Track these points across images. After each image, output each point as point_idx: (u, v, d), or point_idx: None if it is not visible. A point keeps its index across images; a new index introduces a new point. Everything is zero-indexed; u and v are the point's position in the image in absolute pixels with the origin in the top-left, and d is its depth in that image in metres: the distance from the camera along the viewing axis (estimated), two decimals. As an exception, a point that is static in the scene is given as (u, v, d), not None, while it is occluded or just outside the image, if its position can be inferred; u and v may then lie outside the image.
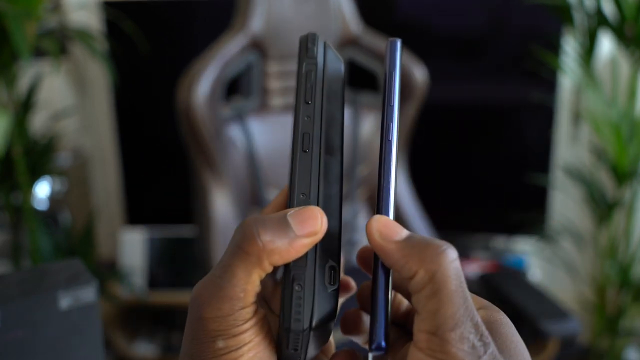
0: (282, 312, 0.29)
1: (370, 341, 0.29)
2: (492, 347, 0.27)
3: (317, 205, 0.30)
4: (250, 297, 0.29)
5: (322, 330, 0.30)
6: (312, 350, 0.31)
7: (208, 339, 0.29)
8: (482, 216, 1.90)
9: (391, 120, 0.32)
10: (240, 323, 0.29)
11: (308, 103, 0.31)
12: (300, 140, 0.31)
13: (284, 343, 0.29)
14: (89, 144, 2.09)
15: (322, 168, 0.31)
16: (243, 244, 0.29)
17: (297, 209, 0.30)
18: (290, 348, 0.29)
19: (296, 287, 0.29)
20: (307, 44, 0.33)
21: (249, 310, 0.29)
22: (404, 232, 0.29)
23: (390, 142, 0.31)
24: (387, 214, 0.31)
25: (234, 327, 0.29)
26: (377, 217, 0.30)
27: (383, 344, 0.29)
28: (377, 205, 0.31)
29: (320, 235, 0.29)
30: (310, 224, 0.29)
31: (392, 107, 0.32)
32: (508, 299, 1.14)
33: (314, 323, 0.28)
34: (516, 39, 1.75)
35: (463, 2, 1.76)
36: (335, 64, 0.34)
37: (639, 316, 1.74)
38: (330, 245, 0.30)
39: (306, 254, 0.29)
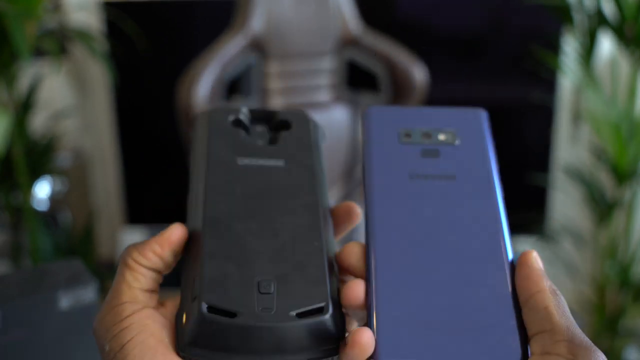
0: None
1: None
2: None
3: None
4: (125, 295, 0.33)
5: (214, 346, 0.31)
6: None
7: (101, 348, 0.31)
8: (482, 216, 1.90)
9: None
10: (117, 321, 0.31)
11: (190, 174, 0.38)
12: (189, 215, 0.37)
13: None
14: (89, 144, 2.09)
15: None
16: (120, 257, 0.35)
17: None
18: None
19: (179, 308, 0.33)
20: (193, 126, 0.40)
21: (126, 308, 0.32)
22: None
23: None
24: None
25: (112, 325, 0.31)
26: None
27: None
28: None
29: (169, 233, 0.34)
30: (166, 230, 0.35)
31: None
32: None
33: (186, 340, 0.31)
34: (516, 39, 1.75)
35: (463, 2, 1.76)
36: (202, 126, 0.39)
37: (639, 316, 1.74)
38: (193, 265, 0.34)
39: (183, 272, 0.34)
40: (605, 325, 1.68)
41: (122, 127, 1.91)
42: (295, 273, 0.32)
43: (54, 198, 1.84)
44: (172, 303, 0.34)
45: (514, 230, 1.53)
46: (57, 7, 1.90)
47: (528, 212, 1.79)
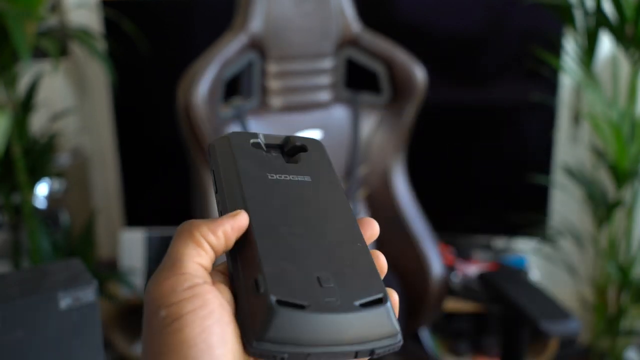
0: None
1: None
2: None
3: None
4: (189, 266, 0.32)
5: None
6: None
7: (153, 312, 0.31)
8: (482, 217, 1.90)
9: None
10: (179, 289, 0.31)
11: (217, 193, 0.39)
12: None
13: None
14: (89, 144, 2.09)
15: None
16: (178, 229, 0.34)
17: None
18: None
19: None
20: (207, 154, 0.41)
21: (188, 279, 0.31)
22: None
23: None
24: None
25: (172, 292, 0.31)
26: None
27: None
28: None
29: (239, 218, 0.34)
30: (232, 212, 0.35)
31: None
32: (508, 298, 1.14)
33: (257, 335, 0.31)
34: (516, 39, 1.75)
35: (463, 2, 1.76)
36: (225, 147, 0.40)
37: (639, 317, 1.74)
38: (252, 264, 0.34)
39: (238, 270, 0.34)
40: (606, 326, 1.68)
41: (121, 127, 1.91)
42: (349, 268, 0.34)
43: (53, 198, 1.84)
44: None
45: (515, 230, 1.54)
46: (56, 7, 1.90)
47: (528, 212, 1.79)
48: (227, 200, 0.37)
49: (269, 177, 0.38)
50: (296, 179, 0.39)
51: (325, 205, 0.38)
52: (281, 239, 0.34)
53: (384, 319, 0.33)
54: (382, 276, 0.36)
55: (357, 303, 0.32)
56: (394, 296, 0.35)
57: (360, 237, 0.37)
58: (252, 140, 0.41)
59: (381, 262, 0.37)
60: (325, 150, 0.43)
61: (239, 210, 0.35)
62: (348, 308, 0.32)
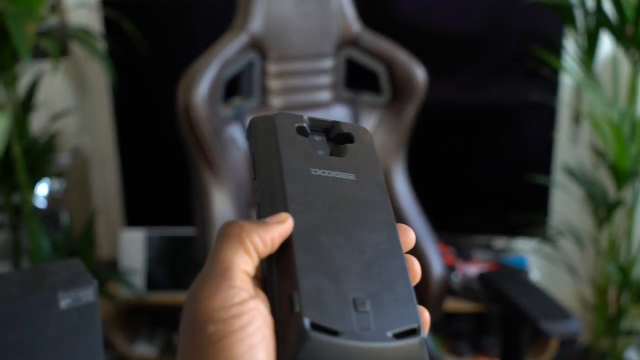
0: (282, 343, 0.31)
1: None
2: None
3: None
4: (237, 277, 0.31)
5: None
6: None
7: (199, 326, 0.30)
8: (482, 217, 1.90)
9: None
10: (227, 305, 0.30)
11: (255, 179, 0.37)
12: (256, 212, 0.37)
13: None
14: (89, 144, 2.09)
15: None
16: (225, 230, 0.33)
17: None
18: None
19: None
20: (247, 130, 0.40)
21: (237, 293, 0.30)
22: None
23: None
24: None
25: (222, 308, 0.30)
26: None
27: None
28: None
29: (287, 225, 0.33)
30: (279, 216, 0.34)
31: None
32: (508, 298, 1.14)
33: (287, 356, 0.30)
34: (516, 39, 1.75)
35: (463, 2, 1.76)
36: (268, 130, 0.38)
37: (639, 317, 1.74)
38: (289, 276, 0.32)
39: (273, 283, 0.33)
40: (606, 326, 1.68)
41: (121, 127, 1.91)
42: (386, 292, 0.33)
43: (53, 198, 1.84)
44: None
45: (515, 231, 1.54)
46: (55, 7, 1.90)
47: (529, 212, 1.79)
48: (266, 196, 0.36)
49: (312, 173, 0.37)
50: (340, 176, 0.37)
51: (368, 211, 0.36)
52: (320, 251, 0.33)
53: (415, 351, 0.32)
54: (416, 282, 0.36)
55: (390, 333, 0.32)
56: (425, 315, 0.35)
57: (400, 253, 0.36)
58: (297, 124, 0.39)
59: (416, 269, 0.36)
60: (373, 141, 0.41)
61: (285, 215, 0.34)
62: (381, 337, 0.31)
